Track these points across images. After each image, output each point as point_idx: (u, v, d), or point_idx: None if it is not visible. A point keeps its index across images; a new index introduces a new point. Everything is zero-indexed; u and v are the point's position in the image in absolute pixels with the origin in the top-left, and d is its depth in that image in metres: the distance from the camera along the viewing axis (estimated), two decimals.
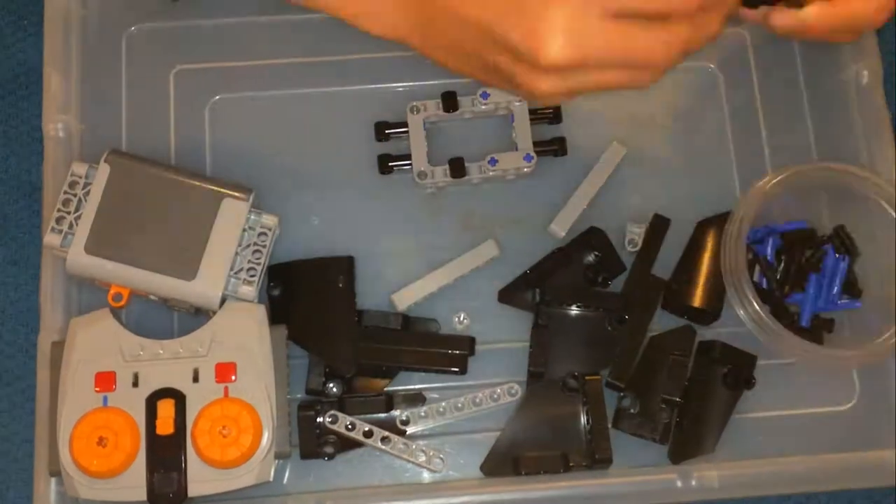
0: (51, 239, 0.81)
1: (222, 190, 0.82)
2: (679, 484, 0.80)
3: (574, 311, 0.83)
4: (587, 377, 0.82)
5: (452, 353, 0.83)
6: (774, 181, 0.84)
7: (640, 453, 0.82)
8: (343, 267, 0.84)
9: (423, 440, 0.82)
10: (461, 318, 0.84)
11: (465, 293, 0.85)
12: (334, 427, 0.80)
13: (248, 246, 0.82)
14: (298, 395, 0.82)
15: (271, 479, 0.78)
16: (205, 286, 0.80)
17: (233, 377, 0.79)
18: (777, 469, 0.81)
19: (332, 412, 0.80)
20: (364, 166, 0.88)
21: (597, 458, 0.80)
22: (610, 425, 0.81)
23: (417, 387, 0.83)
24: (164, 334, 0.81)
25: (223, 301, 0.81)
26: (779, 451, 0.82)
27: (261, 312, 0.81)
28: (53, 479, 0.79)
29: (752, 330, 0.83)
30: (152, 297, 0.82)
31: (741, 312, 0.83)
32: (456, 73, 0.75)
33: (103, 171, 0.82)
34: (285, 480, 0.81)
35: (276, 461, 0.79)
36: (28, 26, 0.95)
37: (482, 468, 0.81)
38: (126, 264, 0.80)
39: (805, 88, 0.90)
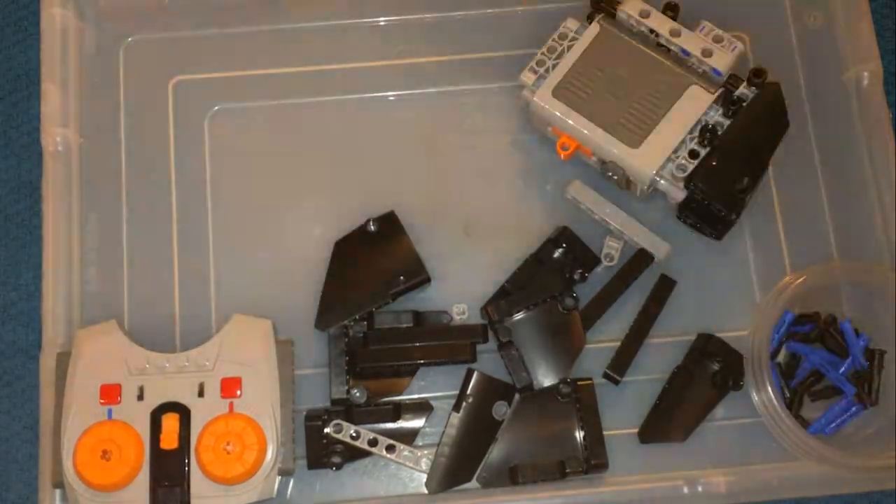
0: (526, 76, 0.85)
1: (693, 78, 0.83)
2: (685, 490, 0.80)
3: (525, 313, 0.83)
4: (579, 382, 0.82)
5: (461, 344, 0.83)
6: (798, 281, 0.83)
7: (645, 460, 0.82)
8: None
9: (429, 449, 0.81)
10: (461, 310, 0.84)
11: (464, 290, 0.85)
12: (339, 436, 0.80)
13: (694, 138, 0.82)
14: (303, 407, 0.82)
15: (274, 495, 0.78)
16: (643, 159, 0.82)
17: (238, 392, 0.79)
18: (783, 473, 0.81)
19: (337, 421, 0.80)
20: (366, 175, 0.87)
21: (592, 463, 0.80)
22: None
23: (424, 395, 0.83)
24: (169, 348, 0.82)
25: (651, 185, 0.83)
26: (784, 456, 0.82)
27: (267, 328, 0.80)
28: (57, 491, 0.79)
29: (763, 418, 0.82)
30: (592, 159, 0.84)
31: (755, 398, 0.82)
32: None
33: (592, 31, 0.85)
34: (289, 492, 0.81)
35: (280, 477, 0.79)
36: (28, 27, 0.94)
37: (478, 479, 0.81)
38: (582, 116, 0.83)
39: (805, 90, 0.90)
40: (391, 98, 0.89)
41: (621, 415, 0.83)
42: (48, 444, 0.79)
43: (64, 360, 0.80)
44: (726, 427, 0.83)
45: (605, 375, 0.83)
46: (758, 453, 0.82)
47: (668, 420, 0.82)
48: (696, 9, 0.89)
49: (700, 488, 0.80)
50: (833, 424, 0.83)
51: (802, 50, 0.91)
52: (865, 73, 0.88)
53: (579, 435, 0.81)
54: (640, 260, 0.85)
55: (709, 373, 0.82)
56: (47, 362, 0.81)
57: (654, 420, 0.82)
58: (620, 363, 0.83)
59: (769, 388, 0.80)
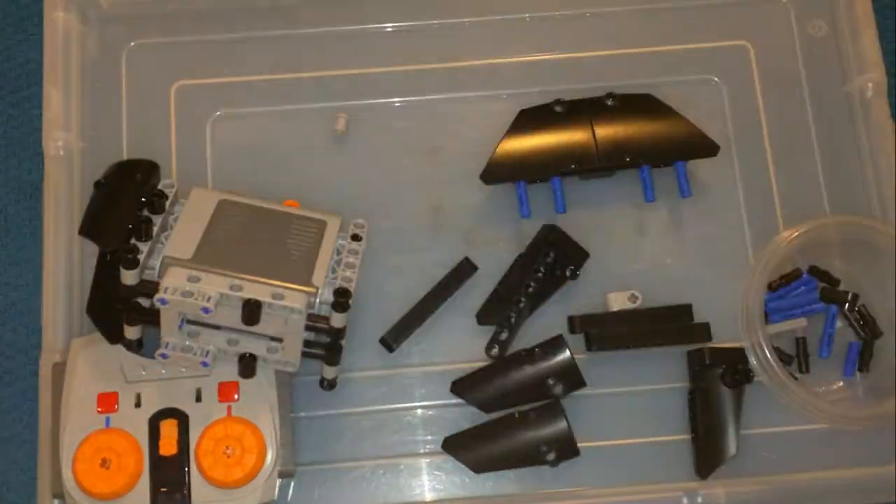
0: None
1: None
2: (685, 501, 0.80)
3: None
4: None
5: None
6: (793, 236, 0.84)
7: (645, 472, 0.82)
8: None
9: (426, 458, 0.82)
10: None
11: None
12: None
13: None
14: (302, 414, 0.82)
15: (275, 498, 0.78)
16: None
17: (236, 396, 0.78)
18: (782, 485, 0.81)
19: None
20: (366, 181, 0.87)
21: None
22: None
23: (425, 403, 0.83)
24: None
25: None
26: (784, 468, 0.82)
27: None
28: (56, 501, 0.79)
29: (762, 380, 0.83)
30: None
31: (753, 361, 0.83)
32: None
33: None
34: (290, 495, 0.81)
35: (280, 480, 0.79)
36: (29, 27, 0.94)
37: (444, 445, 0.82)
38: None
39: (809, 100, 0.89)
40: (396, 104, 0.89)
41: (625, 425, 0.83)
42: (47, 453, 0.79)
43: (59, 370, 0.80)
44: None
45: (381, 341, 0.83)
46: (757, 466, 0.82)
47: (714, 443, 0.81)
48: (701, 20, 0.90)
49: (700, 500, 0.79)
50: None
51: (806, 59, 0.90)
52: (869, 84, 0.88)
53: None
54: (464, 268, 0.85)
55: (718, 381, 0.82)
56: (47, 368, 0.81)
57: (702, 450, 0.82)
58: (399, 332, 0.83)
59: (766, 350, 0.82)
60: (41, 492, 0.79)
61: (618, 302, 0.84)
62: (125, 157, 0.86)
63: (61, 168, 0.85)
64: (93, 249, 0.83)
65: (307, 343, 0.78)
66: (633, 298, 0.84)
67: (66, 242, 0.84)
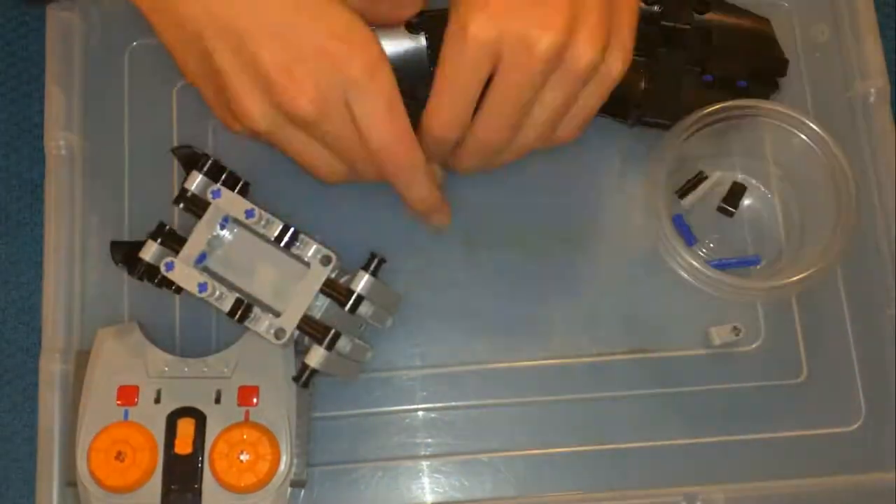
0: None
1: None
2: None
3: None
4: None
5: None
6: (693, 122, 0.84)
7: (642, 475, 0.83)
8: None
9: (425, 461, 0.83)
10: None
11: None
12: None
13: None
14: (318, 413, 0.82)
15: None
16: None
17: (255, 401, 0.79)
18: (783, 491, 0.82)
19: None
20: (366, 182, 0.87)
21: None
22: None
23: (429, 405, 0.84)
24: (190, 353, 0.82)
25: None
26: (785, 473, 0.83)
27: None
28: (56, 490, 0.80)
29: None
30: None
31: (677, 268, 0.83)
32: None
33: None
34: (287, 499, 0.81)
35: (291, 489, 0.79)
36: (30, 21, 0.94)
37: None
38: None
39: (811, 105, 0.90)
40: None
41: (623, 429, 0.83)
42: (46, 448, 0.80)
43: (84, 358, 0.80)
44: (725, 443, 0.83)
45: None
46: (758, 469, 0.83)
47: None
48: None
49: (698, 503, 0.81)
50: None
51: (808, 64, 0.91)
52: (872, 90, 0.88)
53: None
54: None
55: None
56: (46, 366, 0.82)
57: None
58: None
59: (685, 254, 0.82)
60: (39, 485, 0.80)
61: (720, 336, 0.84)
62: (126, 157, 0.87)
63: (62, 167, 0.85)
64: (93, 248, 0.85)
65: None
66: (736, 331, 0.84)
67: (66, 242, 0.85)
